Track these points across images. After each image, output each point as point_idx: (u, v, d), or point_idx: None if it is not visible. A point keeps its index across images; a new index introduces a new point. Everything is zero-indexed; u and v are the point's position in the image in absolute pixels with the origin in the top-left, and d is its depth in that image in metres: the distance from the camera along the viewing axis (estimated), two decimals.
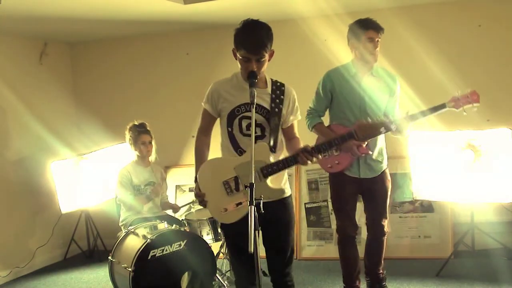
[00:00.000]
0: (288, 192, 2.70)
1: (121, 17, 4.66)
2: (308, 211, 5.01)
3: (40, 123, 5.25)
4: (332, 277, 4.31)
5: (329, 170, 3.50)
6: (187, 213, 4.40)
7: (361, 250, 3.73)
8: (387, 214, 3.60)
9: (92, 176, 5.18)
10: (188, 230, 3.97)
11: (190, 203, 4.50)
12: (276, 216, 2.57)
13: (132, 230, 3.87)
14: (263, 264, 2.79)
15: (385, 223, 3.59)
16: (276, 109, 2.60)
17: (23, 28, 4.90)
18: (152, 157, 4.43)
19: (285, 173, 2.68)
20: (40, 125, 5.25)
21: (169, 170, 5.49)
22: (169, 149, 5.42)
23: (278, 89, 2.64)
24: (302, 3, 4.38)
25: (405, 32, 4.52)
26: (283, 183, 2.67)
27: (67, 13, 4.36)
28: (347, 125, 3.37)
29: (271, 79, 2.68)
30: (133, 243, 3.71)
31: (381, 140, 3.51)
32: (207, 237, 4.03)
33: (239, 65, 2.57)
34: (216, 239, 4.08)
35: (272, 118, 2.59)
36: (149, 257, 3.55)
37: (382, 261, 3.67)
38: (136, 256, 3.52)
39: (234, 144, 2.64)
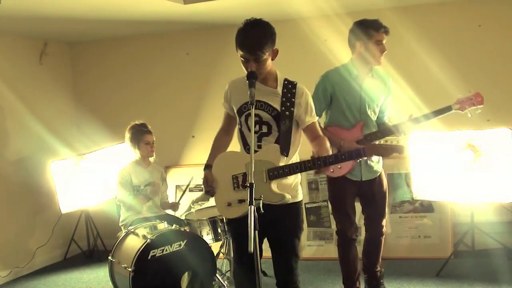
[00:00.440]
0: (297, 198, 2.65)
1: (121, 17, 4.66)
2: (308, 211, 5.01)
3: (40, 123, 5.25)
4: (332, 277, 4.31)
5: (331, 174, 3.46)
6: (187, 213, 4.40)
7: (359, 249, 3.73)
8: (385, 215, 3.61)
9: (92, 176, 5.18)
10: (188, 230, 3.97)
11: (187, 185, 4.47)
12: (282, 221, 2.56)
13: (132, 230, 3.87)
14: (264, 265, 2.78)
15: (384, 223, 3.60)
16: (287, 112, 2.54)
17: (23, 28, 4.90)
18: (152, 157, 4.42)
19: (296, 179, 2.65)
20: (40, 125, 5.25)
21: (169, 170, 5.49)
22: (169, 149, 5.42)
23: (289, 91, 2.58)
24: (302, 3, 4.38)
25: (405, 32, 4.52)
26: (292, 188, 2.62)
27: (67, 13, 4.36)
28: (346, 127, 3.37)
29: (285, 79, 2.62)
30: (133, 243, 3.71)
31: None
32: (207, 237, 4.03)
33: (243, 68, 2.56)
34: (216, 239, 4.08)
35: (283, 121, 2.54)
36: (149, 257, 3.55)
37: (380, 259, 3.68)
38: (136, 256, 3.52)
39: (243, 141, 2.66)
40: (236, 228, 2.61)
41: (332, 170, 3.43)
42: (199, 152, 5.47)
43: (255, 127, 2.56)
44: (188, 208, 4.51)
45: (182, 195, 4.58)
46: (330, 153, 2.67)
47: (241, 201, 2.49)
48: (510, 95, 4.68)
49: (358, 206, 3.65)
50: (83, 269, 5.11)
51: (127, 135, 4.32)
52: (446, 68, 4.51)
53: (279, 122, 2.54)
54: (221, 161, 2.67)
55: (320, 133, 2.69)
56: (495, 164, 3.97)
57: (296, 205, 2.64)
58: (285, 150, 2.54)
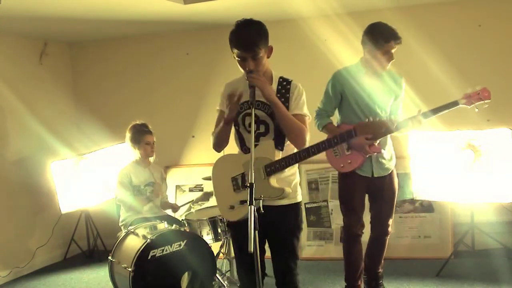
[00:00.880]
0: (297, 198, 2.64)
1: (121, 17, 4.66)
2: (308, 211, 5.01)
3: (40, 123, 5.25)
4: (332, 277, 4.31)
5: (341, 169, 3.49)
6: (187, 213, 4.40)
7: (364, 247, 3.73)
8: (393, 214, 3.62)
9: (92, 176, 5.18)
10: (188, 230, 3.97)
11: (189, 202, 4.50)
12: (279, 222, 2.55)
13: (132, 230, 3.87)
14: (268, 264, 2.77)
15: (390, 222, 3.61)
16: None
17: (23, 28, 4.90)
18: (152, 157, 4.42)
19: (295, 179, 2.64)
20: (40, 125, 5.25)
21: (169, 170, 5.49)
22: (169, 149, 5.42)
23: (284, 87, 2.59)
24: (302, 3, 4.37)
25: (405, 32, 4.48)
26: (292, 187, 2.61)
27: (67, 13, 4.36)
28: None
29: (280, 77, 2.62)
30: (133, 243, 3.71)
31: (389, 139, 3.53)
32: (207, 237, 4.03)
33: (240, 68, 2.56)
34: (216, 239, 4.08)
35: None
36: (149, 257, 3.55)
37: (382, 261, 3.68)
38: (136, 256, 3.52)
39: (241, 142, 2.65)
40: (237, 230, 2.59)
41: (342, 165, 3.46)
42: (199, 152, 5.47)
43: (250, 126, 2.53)
44: (188, 208, 4.51)
45: (189, 205, 4.57)
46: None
47: (243, 202, 2.47)
48: (510, 95, 4.68)
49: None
50: (83, 269, 5.11)
51: (128, 134, 4.32)
52: (446, 68, 4.51)
53: (274, 119, 2.54)
54: (219, 165, 2.67)
55: (306, 130, 2.58)
56: (495, 164, 3.98)
57: (296, 205, 2.63)
58: (279, 144, 2.55)
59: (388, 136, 3.52)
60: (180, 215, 4.60)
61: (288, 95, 2.57)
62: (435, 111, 3.31)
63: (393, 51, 3.36)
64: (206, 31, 5.36)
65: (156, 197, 4.36)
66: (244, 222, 2.38)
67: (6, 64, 5.05)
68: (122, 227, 4.25)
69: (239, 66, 2.56)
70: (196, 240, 3.79)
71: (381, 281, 3.71)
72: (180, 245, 3.67)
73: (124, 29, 5.29)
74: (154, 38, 5.59)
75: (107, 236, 5.40)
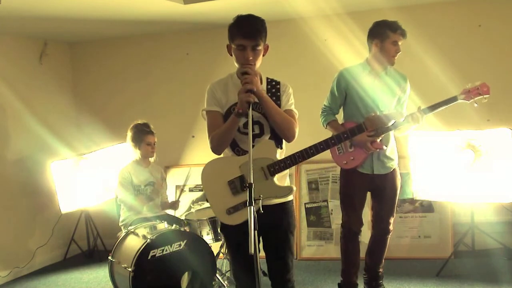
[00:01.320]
0: (291, 196, 2.64)
1: (121, 17, 4.66)
2: (308, 211, 5.01)
3: (40, 123, 5.25)
4: (332, 277, 4.31)
5: (344, 166, 3.52)
6: (187, 213, 4.40)
7: (362, 249, 3.73)
8: (394, 213, 3.63)
9: (92, 176, 5.18)
10: (188, 230, 3.97)
11: (186, 179, 4.48)
12: (276, 221, 2.54)
13: (132, 230, 3.87)
14: (263, 265, 2.77)
15: (391, 221, 3.62)
16: None
17: (23, 28, 4.90)
18: (152, 157, 4.42)
19: (287, 175, 2.64)
20: (40, 125, 5.25)
21: (169, 170, 5.49)
22: (169, 149, 5.42)
23: (274, 87, 2.60)
24: (302, 3, 4.37)
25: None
26: (287, 184, 2.62)
27: (67, 13, 4.36)
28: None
29: (267, 78, 2.63)
30: (133, 243, 3.71)
31: (392, 138, 3.55)
32: (207, 237, 4.03)
33: (235, 60, 2.52)
34: (216, 239, 4.08)
35: None
36: (149, 257, 3.55)
37: (383, 260, 3.68)
38: (136, 256, 3.52)
39: (232, 144, 2.58)
40: (232, 232, 2.54)
41: (345, 162, 3.47)
42: (199, 152, 5.48)
43: (246, 128, 2.50)
44: (188, 208, 4.51)
45: (181, 191, 4.57)
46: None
47: (245, 204, 2.45)
48: (510, 95, 4.68)
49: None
50: (83, 269, 5.11)
51: (129, 134, 4.31)
52: (446, 68, 4.51)
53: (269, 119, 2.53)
54: (209, 171, 2.59)
55: (296, 124, 2.57)
56: (495, 164, 3.98)
57: (289, 204, 2.64)
58: (278, 143, 2.54)
59: (392, 136, 3.54)
60: (180, 215, 4.59)
61: (278, 93, 2.58)
62: (434, 107, 3.33)
63: (400, 43, 3.40)
64: (206, 31, 5.36)
65: (156, 195, 4.35)
66: (239, 224, 2.40)
67: (6, 64, 5.05)
68: (122, 227, 4.25)
69: (235, 58, 2.51)
70: (196, 240, 3.79)
71: (381, 281, 3.71)
72: (180, 245, 3.67)
73: (124, 29, 5.29)
74: (154, 38, 5.59)
75: (107, 236, 5.40)
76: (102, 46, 5.78)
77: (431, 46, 4.64)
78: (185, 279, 3.70)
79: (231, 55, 2.55)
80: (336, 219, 4.86)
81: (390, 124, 3.23)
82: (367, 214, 3.82)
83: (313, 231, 4.97)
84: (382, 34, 3.39)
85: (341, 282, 3.70)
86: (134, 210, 4.25)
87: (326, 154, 3.88)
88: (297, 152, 2.49)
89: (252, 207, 2.00)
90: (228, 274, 4.28)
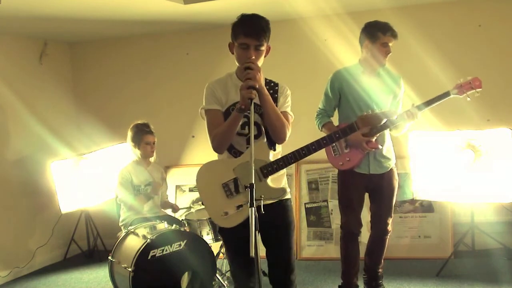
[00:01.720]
0: (288, 194, 2.65)
1: (121, 17, 4.66)
2: (308, 211, 5.01)
3: (40, 123, 5.25)
4: (332, 277, 4.31)
5: (341, 167, 3.51)
6: (187, 213, 4.40)
7: (362, 249, 3.73)
8: (392, 213, 3.62)
9: (92, 176, 5.18)
10: (188, 230, 3.97)
11: (189, 207, 4.50)
12: (275, 220, 2.52)
13: (132, 230, 3.87)
14: (263, 264, 2.76)
15: (390, 221, 3.62)
16: None
17: (23, 28, 4.90)
18: (152, 157, 4.42)
19: (284, 175, 2.64)
20: (40, 125, 5.25)
21: (169, 170, 5.49)
22: (169, 149, 5.42)
23: (272, 88, 2.59)
24: (302, 3, 4.37)
25: (405, 32, 4.51)
26: (283, 184, 2.62)
27: (67, 13, 4.36)
28: None
29: (265, 79, 2.60)
30: (133, 243, 3.71)
31: (388, 137, 3.54)
32: (207, 237, 4.03)
33: (236, 58, 2.51)
34: (216, 239, 4.08)
35: None
36: (149, 257, 3.55)
37: (382, 261, 3.68)
38: (136, 256, 3.52)
39: (229, 145, 2.56)
40: (231, 234, 2.54)
41: (341, 163, 3.47)
42: (199, 152, 5.48)
43: (244, 129, 2.51)
44: (188, 208, 4.51)
45: (183, 208, 4.57)
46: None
47: (240, 206, 2.42)
48: (510, 95, 4.68)
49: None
50: (83, 269, 5.11)
51: (129, 133, 4.33)
52: (446, 68, 4.51)
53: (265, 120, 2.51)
54: (204, 174, 2.58)
55: (288, 126, 2.54)
56: (495, 164, 3.98)
57: (288, 202, 2.63)
58: (272, 144, 2.53)
59: (388, 135, 3.54)
60: (180, 215, 4.60)
61: (276, 95, 2.57)
62: (428, 103, 3.35)
63: (390, 44, 3.39)
64: (206, 31, 5.36)
65: (155, 194, 4.35)
66: (238, 225, 2.39)
67: (6, 64, 5.05)
68: (122, 227, 4.25)
69: (237, 57, 2.50)
70: (196, 240, 3.79)
71: (381, 281, 3.72)
72: (180, 245, 3.68)
73: (124, 29, 5.29)
74: (154, 38, 5.59)
75: (107, 236, 5.40)
76: (102, 46, 5.78)
77: (431, 46, 4.64)
78: (185, 279, 3.70)
79: (233, 53, 2.53)
80: (336, 219, 4.86)
81: (383, 122, 3.19)
82: (366, 215, 3.81)
83: (313, 231, 4.98)
84: (373, 36, 3.39)
85: (342, 284, 3.70)
86: (134, 210, 4.26)
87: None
88: (289, 153, 2.48)
89: (253, 208, 1.98)
90: (228, 274, 4.28)
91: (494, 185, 3.99)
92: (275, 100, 2.55)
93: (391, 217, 3.62)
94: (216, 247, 4.26)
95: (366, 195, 3.67)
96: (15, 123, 5.13)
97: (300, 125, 3.37)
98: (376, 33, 3.38)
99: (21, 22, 4.59)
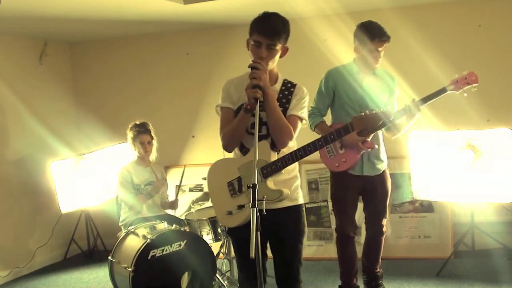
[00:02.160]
0: (298, 201, 2.59)
1: (121, 17, 4.66)
2: (308, 211, 5.01)
3: (40, 123, 5.25)
4: (332, 277, 4.31)
5: (336, 169, 3.47)
6: (187, 213, 4.40)
7: (359, 249, 3.73)
8: (386, 214, 3.62)
9: (92, 176, 5.18)
10: (188, 230, 3.97)
11: (181, 175, 4.46)
12: (283, 226, 2.51)
13: (132, 230, 3.87)
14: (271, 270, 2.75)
15: (384, 222, 3.61)
16: (281, 108, 2.48)
17: (23, 28, 4.90)
18: (153, 157, 4.43)
19: (295, 180, 2.58)
20: (40, 125, 5.25)
21: (169, 170, 5.49)
22: (169, 149, 5.42)
23: (288, 89, 2.54)
24: (302, 3, 4.37)
25: (405, 32, 4.52)
26: (292, 189, 2.55)
27: (67, 13, 4.36)
28: None
29: (284, 79, 2.57)
30: (133, 243, 3.71)
31: (381, 139, 3.54)
32: (207, 237, 4.03)
33: (251, 55, 2.48)
34: (216, 239, 4.08)
35: None
36: (149, 257, 3.55)
37: (380, 260, 3.68)
38: (136, 256, 3.52)
39: (240, 144, 2.55)
40: (238, 235, 2.55)
41: (337, 165, 3.44)
42: (199, 152, 5.47)
43: (253, 128, 2.43)
44: (188, 208, 4.51)
45: (179, 189, 4.55)
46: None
47: (241, 206, 2.41)
48: (510, 95, 4.68)
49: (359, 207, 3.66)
50: (83, 269, 5.11)
51: (128, 134, 4.37)
52: (446, 68, 4.50)
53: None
54: (214, 170, 2.60)
55: (292, 131, 2.49)
56: (495, 164, 3.98)
57: (297, 208, 2.58)
58: (275, 145, 2.49)
59: (381, 137, 3.51)
60: (180, 215, 4.60)
61: (290, 96, 2.52)
62: (425, 99, 3.30)
63: (380, 49, 3.34)
64: (206, 31, 5.36)
65: (156, 192, 4.35)
66: (244, 226, 2.36)
67: (6, 64, 5.04)
68: (122, 227, 4.26)
69: (251, 53, 2.47)
70: (196, 240, 3.79)
71: (380, 281, 3.71)
72: (180, 245, 3.68)
73: (124, 29, 5.29)
74: (154, 38, 5.59)
75: (107, 236, 5.40)
76: (102, 46, 5.78)
77: (431, 46, 4.63)
78: (185, 279, 3.70)
79: (249, 50, 2.50)
80: None
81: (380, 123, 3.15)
82: (362, 216, 3.80)
83: (313, 231, 4.97)
84: (361, 41, 3.36)
85: (341, 285, 3.70)
86: (134, 209, 4.26)
87: None
88: (287, 154, 2.45)
89: (255, 209, 1.96)
90: (228, 274, 4.28)
91: (494, 185, 3.99)
92: (288, 101, 2.51)
93: (386, 218, 3.62)
94: (216, 247, 4.26)
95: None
96: (15, 123, 5.13)
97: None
98: (364, 38, 3.33)
99: (21, 22, 4.59)
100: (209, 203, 4.45)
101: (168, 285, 3.63)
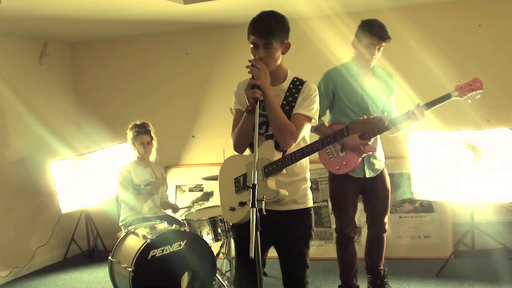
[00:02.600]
0: (306, 204, 2.54)
1: (121, 17, 4.66)
2: None
3: (40, 123, 5.24)
4: (332, 277, 4.31)
5: (337, 171, 3.45)
6: (187, 213, 4.40)
7: (360, 249, 3.73)
8: (388, 212, 3.63)
9: (92, 176, 5.18)
10: (188, 230, 3.97)
11: (189, 206, 4.51)
12: (290, 229, 2.49)
13: (132, 230, 3.87)
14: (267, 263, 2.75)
15: (386, 220, 3.62)
16: (287, 107, 2.45)
17: (23, 28, 4.90)
18: (153, 157, 4.43)
19: (304, 184, 2.54)
20: (40, 125, 5.24)
21: (169, 170, 5.49)
22: (169, 149, 5.42)
23: (296, 87, 2.49)
24: (302, 3, 4.37)
25: (405, 32, 4.52)
26: (300, 192, 2.52)
27: (67, 13, 4.36)
28: None
29: (294, 77, 2.54)
30: (133, 243, 3.71)
31: (379, 138, 3.52)
32: (207, 237, 4.03)
33: (252, 57, 2.46)
34: (216, 239, 4.08)
35: None
36: (149, 257, 3.55)
37: (383, 258, 3.68)
38: (136, 256, 3.52)
39: (250, 144, 2.55)
40: (238, 232, 2.55)
41: (338, 167, 3.43)
42: (199, 152, 5.47)
43: (261, 128, 2.46)
44: (188, 208, 4.51)
45: (183, 208, 4.57)
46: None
47: (242, 203, 2.40)
48: (510, 95, 4.68)
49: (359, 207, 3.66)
50: (83, 269, 5.11)
51: (128, 134, 4.37)
52: (446, 68, 4.51)
53: None
54: (225, 167, 2.65)
55: (295, 131, 2.44)
56: (495, 164, 3.97)
57: (306, 211, 2.54)
58: (279, 145, 2.46)
59: (378, 137, 3.50)
60: (180, 215, 4.60)
61: (297, 95, 2.48)
62: (429, 105, 3.29)
63: (376, 47, 3.32)
64: (206, 31, 5.36)
65: (155, 191, 4.35)
66: (245, 224, 2.33)
67: (6, 64, 5.04)
68: (122, 227, 4.26)
69: (251, 55, 2.46)
70: (196, 240, 3.79)
71: (386, 280, 3.71)
72: (180, 245, 3.68)
73: (124, 29, 5.29)
74: (154, 38, 5.59)
75: (107, 236, 5.40)
76: (102, 46, 5.78)
77: (431, 46, 4.63)
78: (185, 279, 3.70)
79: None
80: None
81: (378, 128, 3.06)
82: (362, 216, 3.80)
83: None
84: (359, 34, 3.35)
85: (341, 285, 3.70)
86: (134, 210, 4.26)
87: None
88: (287, 155, 2.44)
89: (255, 209, 1.96)
90: (228, 274, 4.28)
91: (494, 185, 3.98)
92: (295, 99, 2.47)
93: (388, 215, 3.62)
94: (216, 247, 4.26)
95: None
96: (15, 123, 5.13)
97: None
98: (363, 32, 3.33)
99: (21, 22, 4.59)
100: (209, 203, 4.45)
101: (168, 285, 3.63)
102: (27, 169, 5.20)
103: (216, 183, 2.80)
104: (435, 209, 4.76)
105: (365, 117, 2.41)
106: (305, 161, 2.54)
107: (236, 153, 2.60)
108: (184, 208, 4.56)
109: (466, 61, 4.70)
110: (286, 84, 2.52)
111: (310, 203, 2.55)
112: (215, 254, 4.01)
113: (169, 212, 4.57)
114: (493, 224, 4.52)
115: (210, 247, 3.82)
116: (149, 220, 4.04)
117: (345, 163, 3.40)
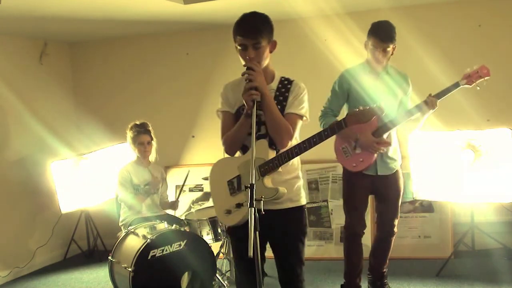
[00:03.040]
0: (300, 202, 2.55)
1: (121, 17, 4.66)
2: (308, 211, 5.00)
3: (40, 123, 5.24)
4: (332, 277, 4.31)
5: (354, 169, 3.47)
6: (187, 213, 4.40)
7: (365, 249, 3.72)
8: (398, 214, 3.63)
9: (92, 176, 5.18)
10: (188, 230, 3.97)
11: (185, 178, 4.48)
12: (284, 226, 2.49)
13: (132, 230, 3.87)
14: (265, 265, 2.75)
15: (396, 222, 3.62)
16: (279, 106, 2.45)
17: (23, 28, 4.90)
18: (152, 157, 4.43)
19: (298, 181, 2.55)
20: (40, 125, 5.24)
21: (169, 170, 5.49)
22: (169, 149, 5.42)
23: (285, 86, 2.51)
24: (302, 3, 4.37)
25: (405, 32, 4.51)
26: (294, 190, 2.53)
27: (67, 13, 4.36)
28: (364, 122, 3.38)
29: (281, 77, 2.56)
30: (133, 243, 3.71)
31: (395, 138, 3.54)
32: (207, 237, 4.03)
33: (241, 60, 2.48)
34: (216, 239, 4.08)
35: None
36: (149, 257, 3.55)
37: (387, 261, 3.69)
38: (136, 256, 3.52)
39: (242, 146, 2.55)
40: (236, 234, 2.53)
41: (354, 165, 3.45)
42: (199, 152, 5.47)
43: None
44: (188, 208, 4.51)
45: (181, 190, 4.57)
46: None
47: (239, 205, 2.40)
48: (510, 95, 4.68)
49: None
50: (83, 269, 5.11)
51: (127, 134, 4.37)
52: (446, 68, 4.51)
53: None
54: (216, 169, 2.61)
55: (291, 130, 2.45)
56: (495, 164, 3.98)
57: (299, 209, 2.55)
58: (273, 143, 2.46)
59: (395, 136, 3.53)
60: (180, 215, 4.59)
61: (287, 94, 2.50)
62: (439, 95, 3.35)
63: (380, 49, 3.36)
64: (206, 31, 5.36)
65: (155, 190, 4.35)
66: (243, 225, 2.35)
67: (6, 64, 5.04)
68: (122, 227, 4.26)
69: (240, 57, 2.47)
70: (196, 240, 3.79)
71: (386, 281, 3.71)
72: (180, 245, 3.68)
73: (124, 29, 5.29)
74: (154, 38, 5.59)
75: (107, 236, 5.40)
76: (102, 46, 5.78)
77: (431, 46, 4.63)
78: (185, 279, 3.70)
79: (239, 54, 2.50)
80: (336, 219, 4.86)
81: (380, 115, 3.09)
82: (370, 216, 3.80)
83: (313, 231, 4.97)
84: (367, 36, 3.41)
85: (344, 283, 3.70)
86: (134, 209, 4.26)
87: (326, 154, 3.91)
88: (283, 152, 2.42)
89: (253, 209, 1.96)
90: (228, 274, 4.28)
91: (494, 185, 3.99)
92: (285, 98, 2.48)
93: (397, 218, 3.63)
94: (216, 247, 4.26)
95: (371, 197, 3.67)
96: (15, 123, 5.13)
97: (314, 126, 3.30)
98: (368, 34, 3.40)
99: (21, 22, 4.59)
100: (209, 203, 4.45)
101: (168, 285, 3.63)
102: (27, 169, 5.20)
103: None
104: (435, 209, 4.76)
105: (361, 107, 2.42)
106: (297, 159, 2.54)
107: (225, 155, 2.60)
108: (179, 194, 4.56)
109: (466, 61, 4.67)
110: (274, 84, 2.53)
111: (304, 201, 2.58)
112: (215, 254, 4.01)
113: (169, 211, 4.57)
114: (493, 224, 4.52)
115: (210, 247, 3.82)
116: (149, 220, 4.04)
117: (361, 159, 3.43)
